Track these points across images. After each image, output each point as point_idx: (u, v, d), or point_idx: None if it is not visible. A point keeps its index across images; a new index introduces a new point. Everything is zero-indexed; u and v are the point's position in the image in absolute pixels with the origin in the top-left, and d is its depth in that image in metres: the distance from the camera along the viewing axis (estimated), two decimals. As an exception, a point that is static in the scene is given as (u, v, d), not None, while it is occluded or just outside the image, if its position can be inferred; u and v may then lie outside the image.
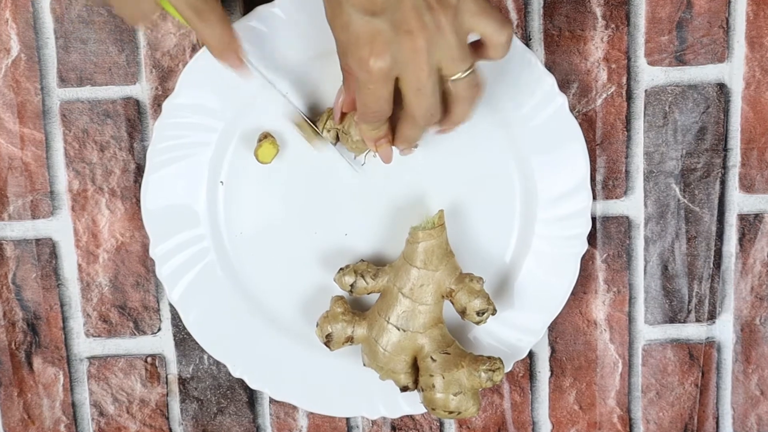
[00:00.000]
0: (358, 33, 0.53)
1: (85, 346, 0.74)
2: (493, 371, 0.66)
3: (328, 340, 0.68)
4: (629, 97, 0.71)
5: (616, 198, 0.73)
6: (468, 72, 0.55)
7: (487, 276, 0.71)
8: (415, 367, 0.68)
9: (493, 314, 0.67)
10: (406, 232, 0.69)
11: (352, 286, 0.68)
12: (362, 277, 0.67)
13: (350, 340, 0.68)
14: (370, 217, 0.70)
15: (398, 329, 0.66)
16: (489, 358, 0.67)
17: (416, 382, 0.68)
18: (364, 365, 0.69)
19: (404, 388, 0.68)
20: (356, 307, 0.71)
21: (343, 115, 0.65)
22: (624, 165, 0.72)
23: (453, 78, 0.55)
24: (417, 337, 0.67)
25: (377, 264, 0.70)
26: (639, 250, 0.73)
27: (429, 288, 0.66)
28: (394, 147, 0.63)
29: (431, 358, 0.67)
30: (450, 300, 0.67)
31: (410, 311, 0.66)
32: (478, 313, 0.67)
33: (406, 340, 0.67)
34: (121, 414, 0.75)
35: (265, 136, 0.67)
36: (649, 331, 0.75)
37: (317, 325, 0.68)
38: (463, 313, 0.67)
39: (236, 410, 0.75)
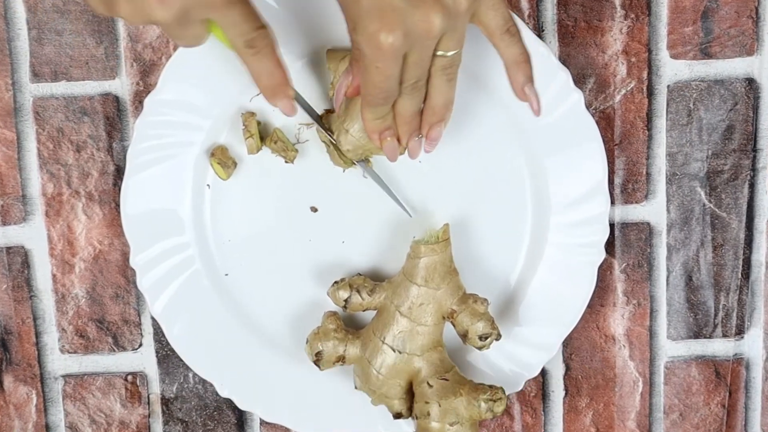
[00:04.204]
0: (369, 6, 0.54)
1: (60, 363, 0.73)
2: (494, 401, 0.66)
3: (317, 359, 0.68)
4: (650, 93, 0.71)
5: (636, 202, 0.72)
6: (455, 52, 0.58)
7: (496, 286, 0.71)
8: (410, 393, 0.68)
9: (497, 339, 0.67)
10: (407, 246, 0.68)
11: (346, 301, 0.67)
12: (358, 292, 0.67)
13: (342, 359, 0.68)
14: (370, 227, 0.70)
15: (394, 351, 0.66)
16: (490, 387, 0.67)
17: (411, 409, 0.68)
18: (356, 388, 0.69)
19: (397, 415, 0.68)
20: (350, 325, 0.71)
21: (347, 100, 0.65)
22: (645, 167, 0.72)
23: (440, 53, 0.58)
24: (414, 360, 0.67)
25: (375, 279, 0.70)
26: (661, 259, 0.73)
27: (429, 307, 0.66)
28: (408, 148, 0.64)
29: (428, 383, 0.66)
30: (451, 322, 0.67)
31: (408, 332, 0.66)
32: (480, 338, 0.66)
33: (402, 363, 0.67)
34: (99, 437, 0.75)
35: (212, 154, 0.68)
36: (671, 347, 0.74)
37: (307, 342, 0.68)
38: (464, 336, 0.67)
39: (224, 433, 0.75)
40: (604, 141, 0.70)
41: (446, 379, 0.66)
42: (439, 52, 0.57)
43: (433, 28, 0.55)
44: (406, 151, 0.64)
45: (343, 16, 0.58)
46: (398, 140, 0.63)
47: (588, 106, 0.70)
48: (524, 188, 0.69)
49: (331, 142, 0.66)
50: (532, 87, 0.61)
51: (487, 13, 0.58)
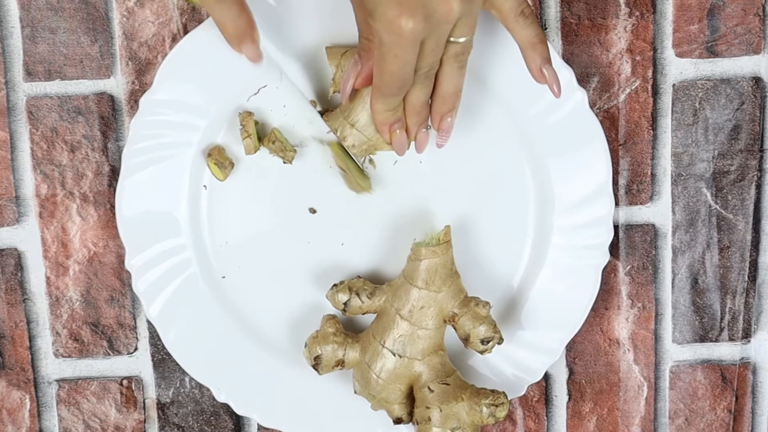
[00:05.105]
0: None
1: (53, 367, 0.73)
2: (496, 406, 0.66)
3: (316, 363, 0.67)
4: (655, 92, 0.71)
5: (641, 204, 0.72)
6: (468, 38, 0.58)
7: (499, 290, 0.71)
8: (410, 398, 0.68)
9: (499, 343, 0.67)
10: (407, 248, 0.69)
11: (345, 304, 0.67)
12: (357, 295, 0.67)
13: (341, 364, 0.68)
14: (370, 228, 0.70)
15: (394, 355, 0.66)
16: (492, 391, 0.67)
17: (411, 414, 0.68)
18: (355, 392, 0.69)
19: (398, 420, 0.68)
20: (350, 328, 0.71)
21: (353, 93, 0.64)
22: (649, 167, 0.71)
23: (453, 39, 0.57)
24: (414, 364, 0.67)
25: (375, 281, 0.70)
26: (666, 262, 0.72)
27: (430, 311, 0.66)
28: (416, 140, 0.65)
29: (428, 388, 0.66)
30: (453, 325, 0.67)
31: (408, 335, 0.66)
32: (482, 342, 0.66)
33: (402, 367, 0.67)
34: (94, 442, 0.75)
35: (209, 154, 0.67)
36: (677, 351, 0.74)
37: (305, 346, 0.68)
38: (466, 340, 0.67)
39: (221, 438, 0.75)
40: (608, 141, 0.69)
41: (447, 384, 0.66)
42: (452, 38, 0.57)
43: (453, 11, 0.54)
44: (412, 146, 0.64)
45: (353, 5, 0.57)
46: (407, 133, 0.63)
47: (592, 105, 0.70)
48: (527, 189, 0.69)
49: (347, 156, 0.66)
50: (550, 67, 0.60)
51: None
